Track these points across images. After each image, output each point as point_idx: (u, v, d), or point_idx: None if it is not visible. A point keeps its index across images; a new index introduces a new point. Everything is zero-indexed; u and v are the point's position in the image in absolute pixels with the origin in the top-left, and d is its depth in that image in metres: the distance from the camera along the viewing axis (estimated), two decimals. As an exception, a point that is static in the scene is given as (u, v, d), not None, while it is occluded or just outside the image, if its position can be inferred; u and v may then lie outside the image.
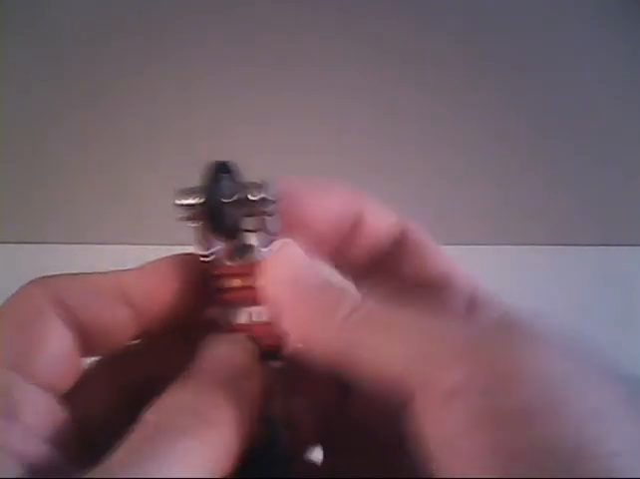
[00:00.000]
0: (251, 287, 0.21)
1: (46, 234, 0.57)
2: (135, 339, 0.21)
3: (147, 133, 0.59)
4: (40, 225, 0.58)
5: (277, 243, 0.21)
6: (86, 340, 0.20)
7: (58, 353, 0.19)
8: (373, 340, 0.18)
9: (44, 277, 0.20)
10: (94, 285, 0.20)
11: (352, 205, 0.23)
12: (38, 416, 0.18)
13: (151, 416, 0.18)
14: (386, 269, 0.21)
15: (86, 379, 0.21)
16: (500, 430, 0.15)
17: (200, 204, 0.20)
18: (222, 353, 0.20)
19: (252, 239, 0.21)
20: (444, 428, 0.16)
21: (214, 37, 0.57)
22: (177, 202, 0.21)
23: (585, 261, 0.61)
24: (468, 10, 0.56)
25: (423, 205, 0.63)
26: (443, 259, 0.23)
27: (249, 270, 0.21)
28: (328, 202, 0.22)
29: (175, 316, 0.21)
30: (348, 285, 0.22)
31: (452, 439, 0.16)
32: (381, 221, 0.23)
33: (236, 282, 0.21)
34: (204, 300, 0.21)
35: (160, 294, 0.20)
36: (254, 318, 0.21)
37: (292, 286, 0.20)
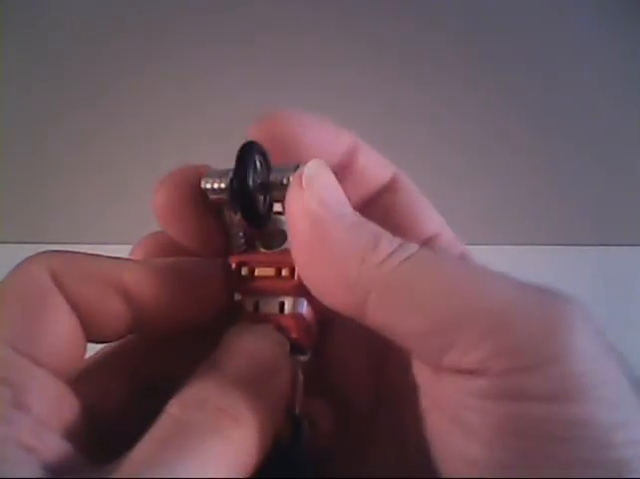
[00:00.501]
0: (283, 276, 0.20)
1: (46, 234, 0.57)
2: (130, 333, 0.20)
3: (147, 133, 0.59)
4: (40, 225, 0.58)
5: (307, 165, 0.18)
6: (84, 325, 0.19)
7: (66, 334, 0.18)
8: (414, 295, 0.16)
9: (43, 253, 0.19)
10: (94, 272, 0.19)
11: (344, 141, 0.21)
12: (50, 405, 0.17)
13: (175, 410, 0.17)
14: (374, 215, 0.19)
15: (98, 368, 0.20)
16: (516, 409, 0.15)
17: (231, 188, 0.20)
18: (250, 345, 0.19)
19: (284, 226, 0.20)
20: (454, 400, 0.16)
21: (214, 37, 0.57)
22: (205, 185, 0.20)
23: (585, 261, 0.61)
24: (467, 10, 0.56)
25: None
26: (432, 217, 0.22)
27: (281, 258, 0.20)
28: (322, 134, 0.21)
29: (178, 317, 0.20)
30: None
31: (459, 412, 0.15)
32: (372, 163, 0.21)
33: (267, 271, 0.20)
34: (218, 301, 0.20)
35: (162, 298, 0.19)
36: (285, 309, 0.20)
37: (320, 216, 0.17)
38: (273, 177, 0.20)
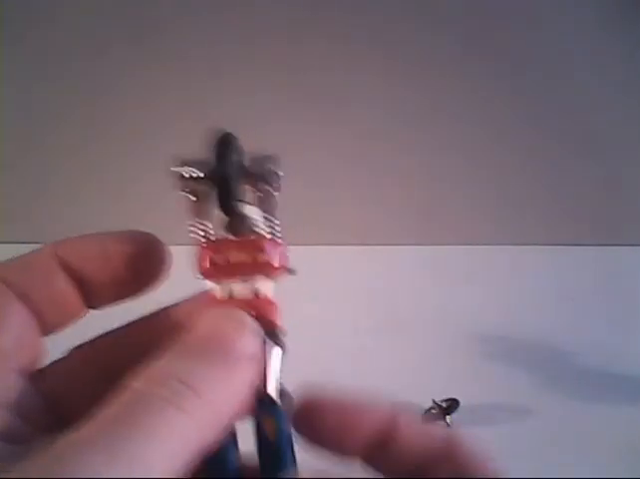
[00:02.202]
0: (258, 261, 0.20)
1: (46, 234, 0.57)
2: (90, 309, 0.21)
3: (147, 134, 0.59)
4: (40, 225, 0.58)
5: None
6: (39, 317, 0.19)
7: (19, 328, 0.19)
8: None
9: None
10: (29, 260, 0.20)
11: (378, 417, 0.22)
12: (6, 391, 0.18)
13: (135, 383, 0.17)
14: None
15: (65, 359, 0.21)
16: None
17: (205, 176, 0.20)
18: (220, 327, 0.19)
19: (252, 212, 0.21)
20: None
21: (214, 38, 0.57)
22: (177, 170, 0.21)
23: (585, 261, 0.61)
24: (467, 11, 0.56)
25: (423, 205, 0.63)
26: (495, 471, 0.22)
27: (254, 243, 0.20)
28: (351, 415, 0.21)
29: (125, 283, 0.20)
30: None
31: None
32: (416, 433, 0.21)
33: (242, 256, 0.20)
34: (156, 272, 0.21)
35: (97, 257, 0.20)
36: (260, 294, 0.20)
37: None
38: (247, 165, 0.21)
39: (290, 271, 0.21)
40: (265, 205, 0.21)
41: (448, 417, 0.47)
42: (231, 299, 0.20)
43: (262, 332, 0.19)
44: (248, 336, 0.19)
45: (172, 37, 0.57)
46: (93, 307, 0.21)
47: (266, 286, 0.20)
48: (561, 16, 0.57)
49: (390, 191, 0.62)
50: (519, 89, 0.59)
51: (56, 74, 0.58)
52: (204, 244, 0.21)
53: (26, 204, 0.62)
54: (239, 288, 0.20)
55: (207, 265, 0.20)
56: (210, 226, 0.21)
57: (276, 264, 0.20)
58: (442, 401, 0.48)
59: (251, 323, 0.19)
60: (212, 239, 0.21)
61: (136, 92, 0.59)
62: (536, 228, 0.63)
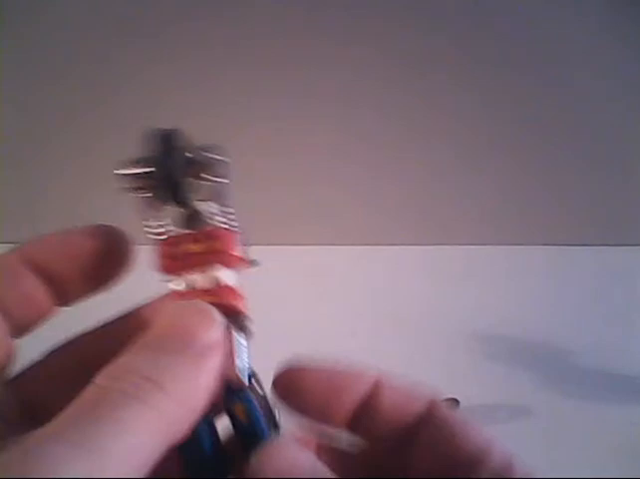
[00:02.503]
0: (209, 252, 0.20)
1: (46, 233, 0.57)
2: (60, 306, 0.21)
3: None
4: (40, 224, 0.58)
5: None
6: (9, 318, 0.20)
7: None
8: None
9: None
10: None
11: (362, 384, 0.22)
12: None
13: (100, 380, 0.17)
14: (414, 447, 0.21)
15: (41, 362, 0.21)
16: None
17: (152, 173, 0.20)
18: (181, 318, 0.19)
19: (206, 205, 0.21)
20: None
21: (214, 38, 0.57)
22: (124, 171, 0.21)
23: (585, 261, 0.61)
24: (466, 12, 0.56)
25: (423, 205, 0.63)
26: (475, 436, 0.22)
27: (206, 235, 0.20)
28: (335, 382, 0.22)
29: (92, 278, 0.21)
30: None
31: None
32: (400, 397, 0.22)
33: (194, 249, 0.20)
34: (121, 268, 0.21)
35: (63, 254, 0.20)
36: (221, 282, 0.20)
37: None
38: (193, 157, 0.21)
39: (252, 263, 0.21)
40: (219, 195, 0.21)
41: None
42: (193, 291, 0.20)
43: (224, 320, 0.19)
44: (210, 326, 0.19)
45: (172, 37, 0.57)
46: (63, 305, 0.21)
47: (227, 275, 0.20)
48: (562, 17, 0.57)
49: (390, 191, 0.62)
50: (520, 89, 0.59)
51: (56, 74, 0.58)
52: (162, 241, 0.21)
53: (26, 204, 0.62)
54: (200, 280, 0.20)
55: (166, 261, 0.20)
56: (166, 222, 0.21)
57: (233, 252, 0.21)
58: (442, 401, 0.48)
59: (212, 312, 0.19)
60: (169, 235, 0.21)
61: (136, 92, 0.59)
62: (536, 228, 0.63)
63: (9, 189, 0.60)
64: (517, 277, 0.60)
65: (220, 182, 0.21)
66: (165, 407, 0.17)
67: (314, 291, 0.57)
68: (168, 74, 0.58)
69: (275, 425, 0.20)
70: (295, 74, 0.58)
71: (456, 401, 0.48)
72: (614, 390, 0.51)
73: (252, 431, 0.19)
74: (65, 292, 0.21)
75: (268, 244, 0.61)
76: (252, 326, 0.21)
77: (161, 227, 0.21)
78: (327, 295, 0.57)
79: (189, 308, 0.19)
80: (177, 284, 0.20)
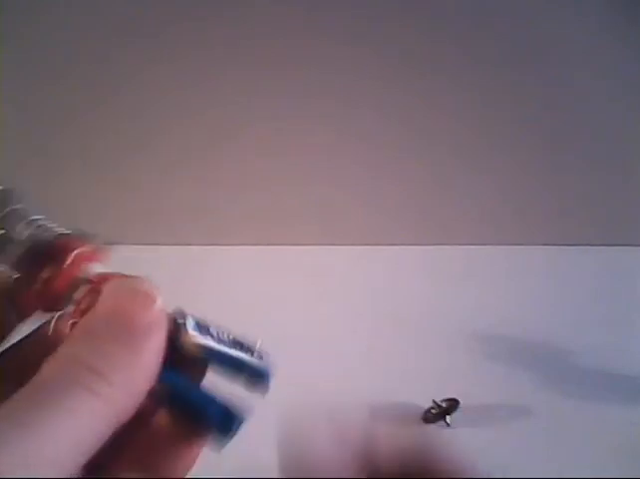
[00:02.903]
0: (62, 268, 0.20)
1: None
2: None
3: (146, 134, 0.59)
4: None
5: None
6: None
7: None
8: None
9: None
10: None
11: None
12: None
13: (44, 369, 0.17)
14: None
15: None
16: None
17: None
18: (118, 302, 0.19)
19: (17, 234, 0.21)
20: None
21: (215, 38, 0.57)
22: None
23: (585, 261, 0.61)
24: (467, 12, 0.56)
25: (423, 205, 0.63)
26: None
27: (48, 257, 0.20)
28: None
29: None
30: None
31: None
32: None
33: (47, 273, 0.20)
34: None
35: None
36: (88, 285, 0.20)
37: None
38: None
39: (95, 240, 0.21)
40: (12, 218, 0.21)
41: (448, 417, 0.47)
42: (79, 307, 0.20)
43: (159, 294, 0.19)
44: (146, 305, 0.19)
45: (172, 37, 0.57)
46: None
47: (92, 268, 0.20)
48: (562, 18, 0.57)
49: (390, 191, 0.62)
50: (520, 89, 0.59)
51: (56, 74, 0.58)
52: (16, 289, 0.20)
53: (26, 204, 0.62)
54: (78, 292, 0.20)
55: (37, 302, 0.20)
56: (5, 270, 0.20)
57: (80, 251, 0.20)
58: (442, 401, 0.48)
59: (148, 289, 0.19)
60: (12, 278, 0.20)
61: (136, 93, 0.59)
62: (536, 228, 0.63)
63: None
64: (517, 277, 0.60)
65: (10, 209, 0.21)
66: (109, 395, 0.17)
67: (314, 291, 0.57)
68: (168, 74, 0.58)
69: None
70: (295, 74, 0.58)
71: (456, 401, 0.48)
72: (614, 390, 0.51)
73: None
74: None
75: (268, 245, 0.61)
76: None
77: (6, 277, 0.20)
78: (327, 295, 0.57)
79: (124, 290, 0.19)
80: (64, 314, 0.20)
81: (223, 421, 0.19)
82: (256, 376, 0.20)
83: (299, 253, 0.59)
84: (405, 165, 0.61)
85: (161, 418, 0.20)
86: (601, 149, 0.61)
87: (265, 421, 0.47)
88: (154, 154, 0.59)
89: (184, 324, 0.20)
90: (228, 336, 0.20)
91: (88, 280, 0.20)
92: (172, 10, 0.56)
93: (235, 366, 0.20)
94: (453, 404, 0.48)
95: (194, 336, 0.20)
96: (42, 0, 0.56)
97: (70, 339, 0.18)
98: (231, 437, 0.19)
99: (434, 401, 0.48)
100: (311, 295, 0.57)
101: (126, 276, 0.20)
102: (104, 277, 0.20)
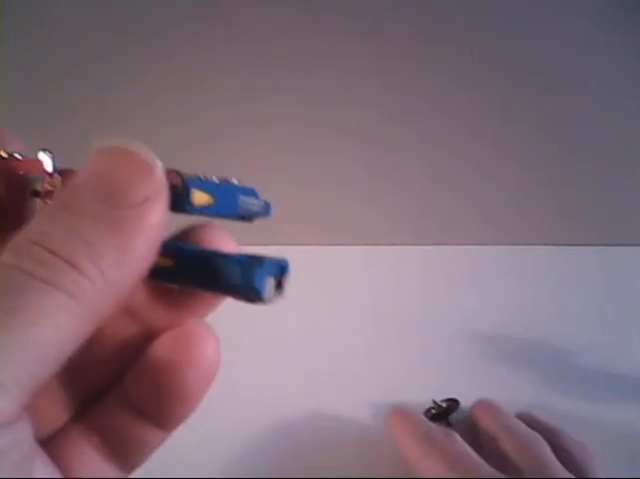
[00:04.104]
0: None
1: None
2: None
3: (146, 135, 0.59)
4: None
5: None
6: None
7: None
8: None
9: None
10: None
11: None
12: None
13: (7, 257, 0.13)
14: None
15: None
16: None
17: None
18: (108, 168, 0.14)
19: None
20: None
21: (214, 38, 0.57)
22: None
23: (585, 261, 0.61)
24: (467, 12, 0.56)
25: (423, 205, 0.63)
26: None
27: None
28: None
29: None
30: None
31: None
32: None
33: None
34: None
35: None
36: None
37: None
38: None
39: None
40: None
41: (448, 417, 0.47)
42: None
43: (160, 164, 0.15)
44: (145, 174, 0.14)
45: (172, 38, 0.57)
46: None
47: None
48: (561, 17, 0.57)
49: (390, 191, 0.62)
50: (519, 89, 0.59)
51: (56, 74, 0.58)
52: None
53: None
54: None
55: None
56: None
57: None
58: (442, 401, 0.48)
59: (147, 155, 0.15)
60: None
61: (136, 93, 0.59)
62: (536, 228, 0.63)
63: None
64: (517, 277, 0.60)
65: None
66: (85, 294, 0.13)
67: (314, 291, 0.57)
68: (169, 74, 0.58)
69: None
70: (295, 74, 0.58)
71: (456, 401, 0.48)
72: (614, 390, 0.51)
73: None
74: None
75: (268, 245, 0.61)
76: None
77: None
78: (327, 295, 0.57)
79: (114, 152, 0.15)
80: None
81: (248, 268, 0.16)
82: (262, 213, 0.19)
83: (299, 253, 0.59)
84: (405, 165, 0.61)
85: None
86: (601, 149, 0.61)
87: (265, 421, 0.47)
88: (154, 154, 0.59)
89: (187, 184, 0.16)
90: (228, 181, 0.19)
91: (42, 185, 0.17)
92: (172, 10, 0.56)
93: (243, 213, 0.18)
94: (453, 404, 0.48)
95: (202, 196, 0.16)
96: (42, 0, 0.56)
97: (41, 214, 0.14)
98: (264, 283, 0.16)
99: (434, 401, 0.48)
100: (311, 295, 0.57)
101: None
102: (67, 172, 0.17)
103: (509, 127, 0.60)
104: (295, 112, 0.59)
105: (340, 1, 0.56)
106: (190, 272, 0.16)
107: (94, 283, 0.13)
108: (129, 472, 0.18)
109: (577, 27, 0.57)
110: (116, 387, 0.18)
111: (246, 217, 0.19)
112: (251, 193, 0.19)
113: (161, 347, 0.17)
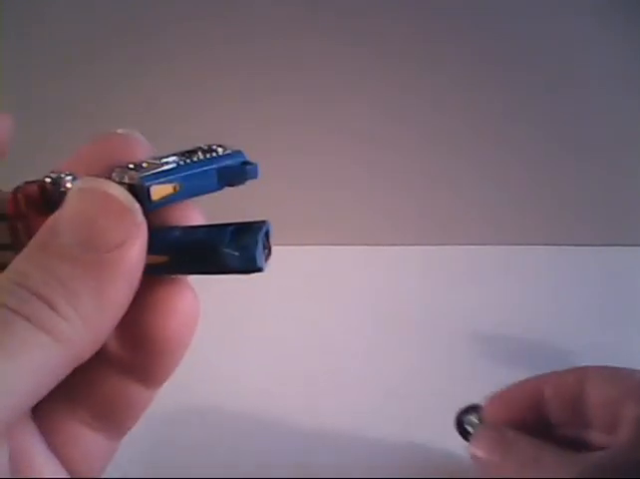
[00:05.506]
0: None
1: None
2: None
3: (146, 136, 0.59)
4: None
5: None
6: None
7: None
8: None
9: None
10: None
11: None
12: None
13: None
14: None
15: None
16: None
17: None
18: (83, 209, 0.15)
19: None
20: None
21: (214, 38, 0.57)
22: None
23: (585, 261, 0.61)
24: (467, 12, 0.56)
25: (423, 205, 0.63)
26: None
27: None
28: None
29: None
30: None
31: None
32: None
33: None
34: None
35: None
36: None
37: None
38: None
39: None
40: None
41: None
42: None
43: (134, 202, 0.15)
44: (121, 216, 0.15)
45: (172, 38, 0.57)
46: None
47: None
48: (561, 17, 0.57)
49: (390, 191, 0.62)
50: (519, 89, 0.59)
51: (56, 74, 0.58)
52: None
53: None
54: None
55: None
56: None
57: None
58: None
59: (123, 194, 0.15)
60: None
61: (136, 93, 0.59)
62: (536, 228, 0.63)
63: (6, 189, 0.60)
64: (517, 277, 0.60)
65: None
66: (63, 334, 0.13)
67: (314, 291, 0.57)
68: (169, 74, 0.58)
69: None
70: (295, 74, 0.58)
71: (478, 407, 0.45)
72: (614, 390, 0.51)
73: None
74: None
75: (268, 244, 0.61)
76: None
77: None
78: (327, 295, 0.57)
79: (94, 193, 0.15)
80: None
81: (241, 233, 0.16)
82: (238, 168, 0.18)
83: (299, 253, 0.59)
84: (405, 165, 0.61)
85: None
86: (601, 149, 0.61)
87: (265, 421, 0.47)
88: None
89: (144, 184, 0.16)
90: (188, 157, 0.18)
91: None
92: (172, 10, 0.56)
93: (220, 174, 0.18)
94: (476, 410, 0.47)
95: (164, 188, 0.16)
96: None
97: (21, 255, 0.14)
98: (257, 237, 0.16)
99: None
100: (311, 295, 0.57)
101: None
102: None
103: (509, 127, 0.60)
104: (295, 112, 0.59)
105: (340, 1, 0.56)
106: (185, 262, 0.17)
107: (72, 325, 0.14)
108: (117, 440, 0.18)
109: (577, 27, 0.57)
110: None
111: (230, 184, 0.19)
112: (236, 156, 0.19)
113: (141, 302, 0.17)
